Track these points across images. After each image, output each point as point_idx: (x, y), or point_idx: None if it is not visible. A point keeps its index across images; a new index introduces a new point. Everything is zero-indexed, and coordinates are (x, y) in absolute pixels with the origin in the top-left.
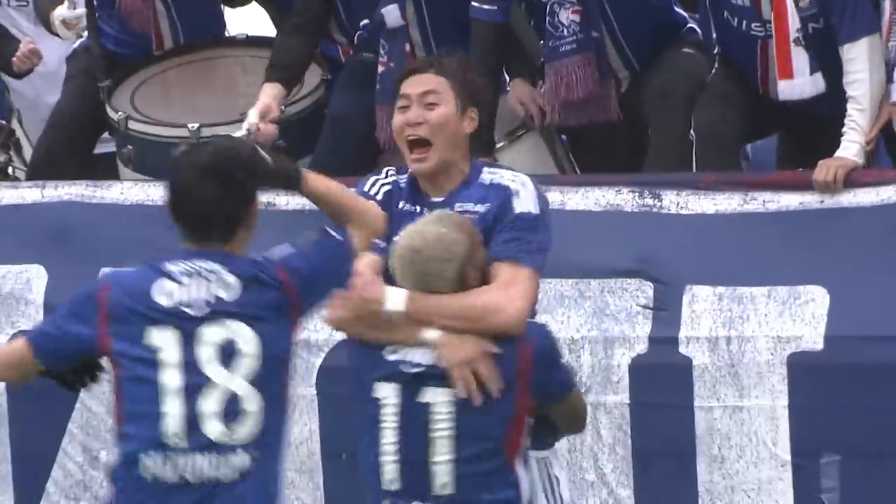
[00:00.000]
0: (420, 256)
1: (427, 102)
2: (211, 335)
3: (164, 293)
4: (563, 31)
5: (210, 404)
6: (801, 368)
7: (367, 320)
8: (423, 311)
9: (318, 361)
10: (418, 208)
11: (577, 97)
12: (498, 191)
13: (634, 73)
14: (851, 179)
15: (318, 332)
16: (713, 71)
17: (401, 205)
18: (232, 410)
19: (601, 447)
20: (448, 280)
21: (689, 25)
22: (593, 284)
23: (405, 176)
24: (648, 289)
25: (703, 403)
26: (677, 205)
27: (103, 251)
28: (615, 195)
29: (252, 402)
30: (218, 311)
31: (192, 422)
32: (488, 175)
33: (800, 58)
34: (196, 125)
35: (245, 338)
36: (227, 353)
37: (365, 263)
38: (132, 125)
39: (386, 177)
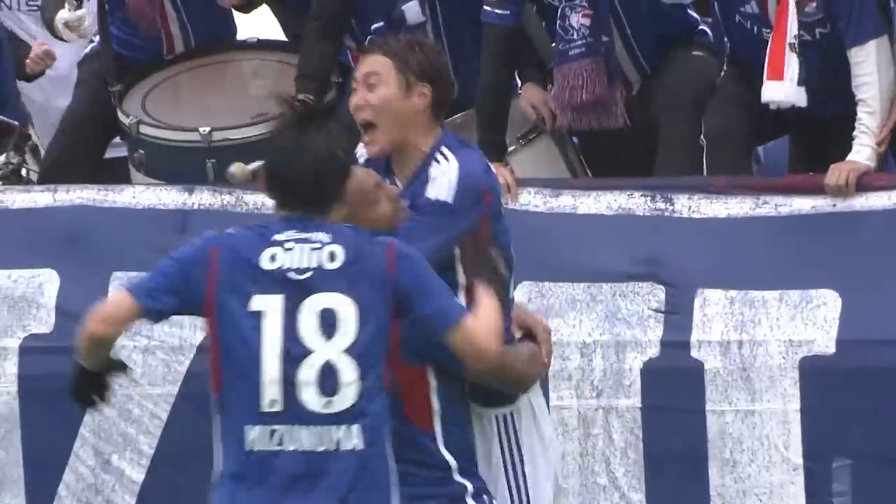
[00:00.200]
0: None
1: (369, 84)
2: (313, 304)
3: (271, 259)
4: (573, 34)
5: (308, 373)
6: (813, 372)
7: None
8: None
9: None
10: None
11: (584, 101)
12: (423, 181)
13: (645, 76)
14: (863, 183)
15: None
16: (723, 73)
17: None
18: (330, 381)
19: (613, 451)
20: None
21: (700, 27)
22: (605, 288)
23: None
24: (660, 292)
25: (714, 407)
26: (689, 208)
27: (115, 255)
28: (627, 199)
29: (350, 373)
30: (321, 280)
31: (290, 391)
32: (434, 163)
33: (792, 63)
34: (207, 129)
35: (346, 308)
36: (328, 323)
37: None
38: (143, 129)
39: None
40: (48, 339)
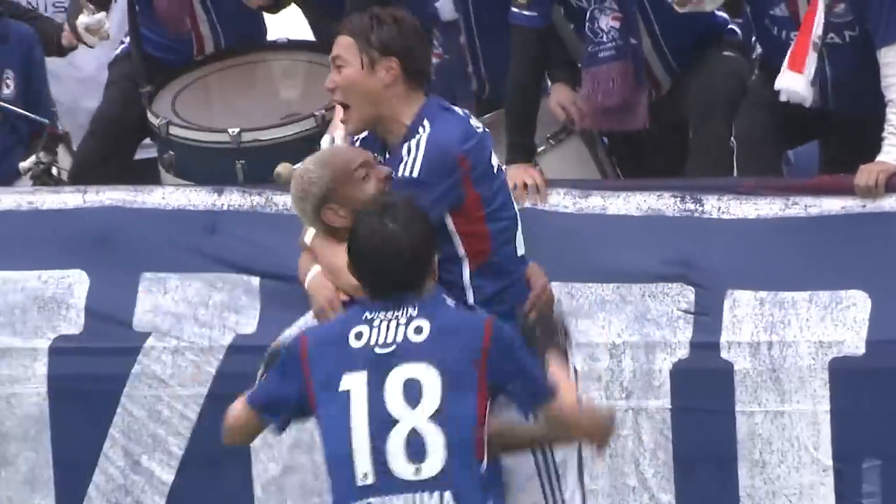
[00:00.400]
0: (290, 195)
1: (336, 66)
2: (397, 375)
3: (356, 337)
4: (602, 37)
5: (396, 442)
6: (843, 373)
7: None
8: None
9: None
10: None
11: (614, 104)
12: (399, 158)
13: (675, 75)
14: (893, 184)
15: None
16: (754, 76)
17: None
18: (417, 448)
19: (642, 452)
20: (310, 217)
21: (729, 27)
22: (634, 289)
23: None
24: (690, 293)
25: (744, 408)
26: (719, 209)
27: (144, 256)
28: (656, 200)
29: (437, 439)
30: (405, 353)
31: (381, 461)
32: (414, 135)
33: (811, 60)
34: (237, 130)
35: (430, 377)
36: (412, 392)
37: None
38: (173, 130)
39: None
40: (78, 339)
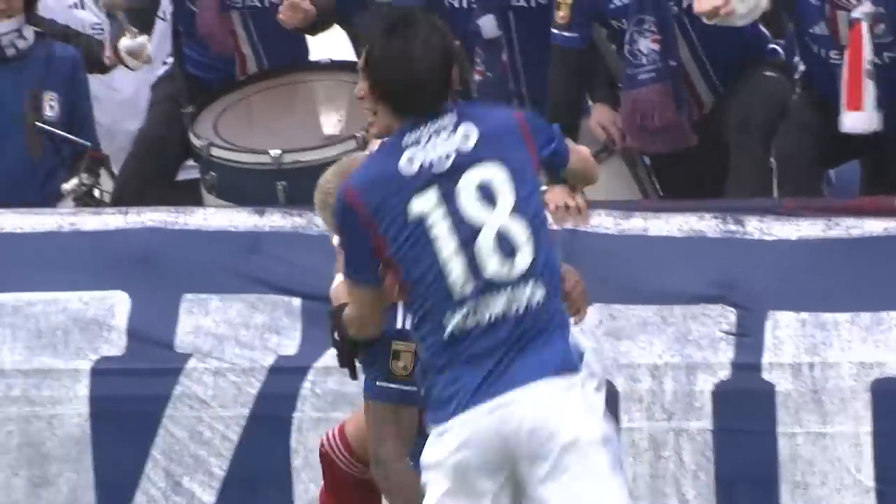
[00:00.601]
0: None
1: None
2: (466, 183)
3: (408, 163)
4: (641, 59)
5: (486, 245)
6: (885, 394)
7: None
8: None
9: None
10: None
11: (655, 126)
12: None
13: (718, 94)
14: None
15: None
16: (795, 96)
17: None
18: (507, 245)
19: (684, 473)
20: (332, 225)
21: (771, 46)
22: (676, 310)
23: None
24: (731, 315)
25: (786, 430)
26: (760, 230)
27: (186, 277)
28: (698, 221)
29: (521, 233)
30: (465, 159)
31: (475, 269)
32: None
33: (869, 90)
34: (278, 151)
35: (498, 174)
36: (487, 194)
37: None
38: (214, 152)
39: None
40: (119, 361)
